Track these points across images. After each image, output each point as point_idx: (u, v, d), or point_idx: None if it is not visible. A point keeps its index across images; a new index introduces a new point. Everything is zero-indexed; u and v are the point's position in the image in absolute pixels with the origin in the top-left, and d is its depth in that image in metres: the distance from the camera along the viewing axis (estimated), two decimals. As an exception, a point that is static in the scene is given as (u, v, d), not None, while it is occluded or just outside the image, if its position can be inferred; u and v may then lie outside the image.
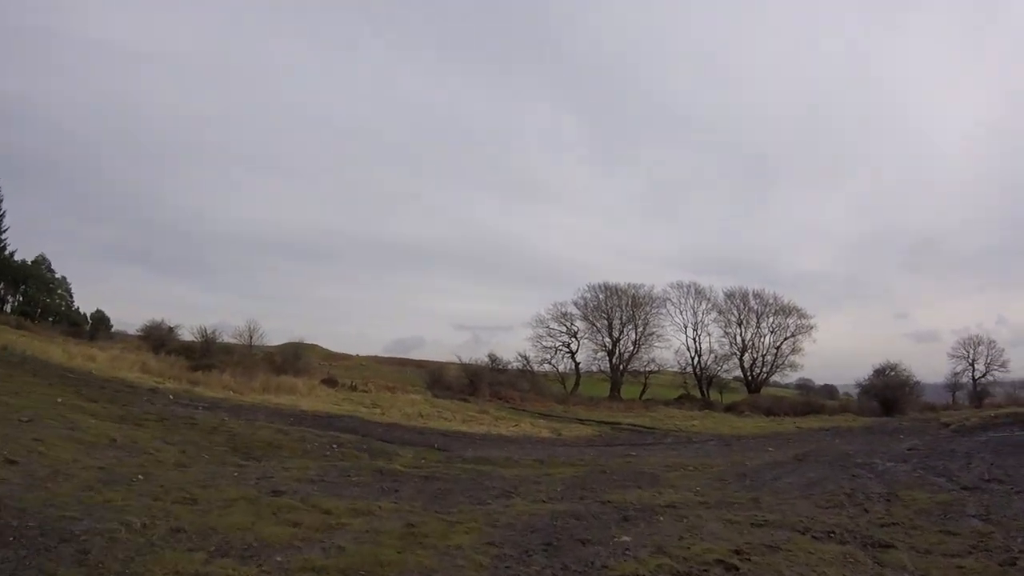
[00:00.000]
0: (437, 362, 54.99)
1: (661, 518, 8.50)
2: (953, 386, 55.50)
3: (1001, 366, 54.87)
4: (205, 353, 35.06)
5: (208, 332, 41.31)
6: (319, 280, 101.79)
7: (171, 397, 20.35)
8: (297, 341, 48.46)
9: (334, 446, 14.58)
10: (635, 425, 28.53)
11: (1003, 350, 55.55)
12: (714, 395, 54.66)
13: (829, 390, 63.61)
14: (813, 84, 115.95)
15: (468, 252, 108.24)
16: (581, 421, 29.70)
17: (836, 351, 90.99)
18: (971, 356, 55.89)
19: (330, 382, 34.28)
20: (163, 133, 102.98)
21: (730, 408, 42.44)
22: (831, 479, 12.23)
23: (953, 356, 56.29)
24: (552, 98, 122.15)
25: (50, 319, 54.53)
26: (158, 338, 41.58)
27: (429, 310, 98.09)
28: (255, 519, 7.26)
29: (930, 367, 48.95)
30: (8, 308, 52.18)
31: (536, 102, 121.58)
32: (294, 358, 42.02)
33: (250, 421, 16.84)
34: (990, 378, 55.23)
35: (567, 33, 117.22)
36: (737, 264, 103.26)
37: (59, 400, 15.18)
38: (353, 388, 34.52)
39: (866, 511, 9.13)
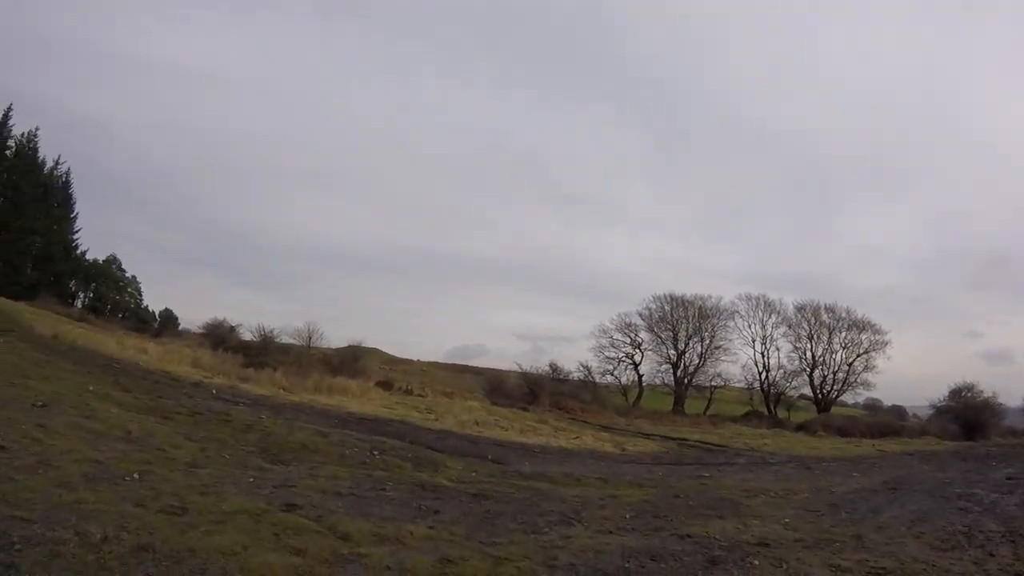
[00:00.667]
0: (497, 370, 53.27)
1: (755, 561, 6.67)
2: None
3: None
4: (261, 351, 34.14)
5: (266, 331, 40.61)
6: (384, 290, 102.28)
7: (214, 392, 19.24)
8: (357, 344, 47.57)
9: (375, 452, 12.96)
10: (703, 442, 26.21)
11: None
12: (781, 413, 51.43)
13: (898, 411, 59.16)
14: (879, 96, 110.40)
15: (530, 265, 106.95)
16: (646, 436, 27.53)
17: (903, 371, 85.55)
18: None
19: (385, 385, 33.00)
20: (241, 154, 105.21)
21: (801, 427, 39.41)
22: (937, 513, 10.04)
23: None
24: (613, 113, 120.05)
25: (120, 315, 55.59)
26: (218, 336, 41.09)
27: (490, 320, 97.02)
28: (250, 541, 5.68)
29: (1007, 388, 44.71)
30: (79, 303, 53.01)
31: (597, 116, 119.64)
32: (352, 359, 41.11)
33: (289, 421, 15.44)
34: None
35: (629, 47, 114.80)
36: (800, 281, 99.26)
37: (90, 388, 14.08)
38: (408, 392, 33.17)
39: (991, 555, 7.35)
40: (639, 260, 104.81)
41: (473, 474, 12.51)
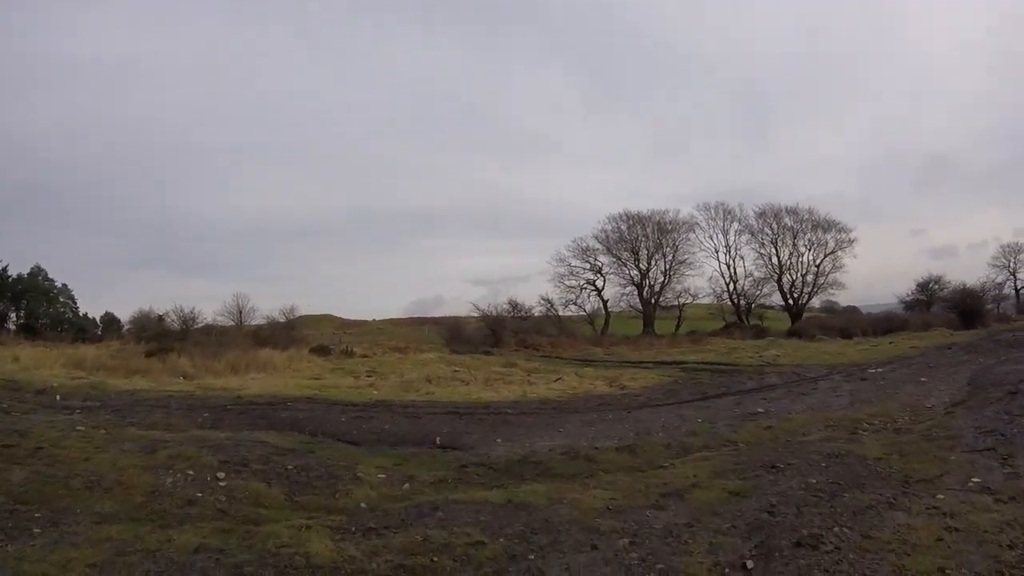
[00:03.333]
0: (456, 317, 47.05)
1: None
2: (997, 297, 47.01)
3: None
4: (180, 336, 27.33)
5: (185, 313, 33.61)
6: (334, 255, 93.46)
7: (58, 398, 12.90)
8: (289, 311, 41.01)
9: (227, 472, 6.82)
10: (707, 363, 20.72)
11: None
12: (754, 323, 46.70)
13: (852, 311, 55.19)
14: (810, 8, 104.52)
15: (478, 210, 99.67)
16: (636, 364, 21.88)
17: (855, 272, 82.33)
18: (1013, 265, 49.14)
19: (322, 351, 26.62)
20: (150, 134, 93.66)
21: (794, 333, 34.57)
22: None
23: (993, 266, 49.19)
24: (542, 48, 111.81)
25: (60, 328, 48.11)
26: (143, 328, 33.94)
27: (445, 270, 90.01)
28: None
29: (955, 280, 42.68)
30: (11, 325, 45.14)
31: (527, 54, 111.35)
32: (287, 329, 34.71)
33: (120, 428, 9.25)
34: None
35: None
36: (750, 196, 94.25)
37: None
38: (350, 354, 26.85)
39: None
40: (589, 192, 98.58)
41: (405, 487, 6.55)
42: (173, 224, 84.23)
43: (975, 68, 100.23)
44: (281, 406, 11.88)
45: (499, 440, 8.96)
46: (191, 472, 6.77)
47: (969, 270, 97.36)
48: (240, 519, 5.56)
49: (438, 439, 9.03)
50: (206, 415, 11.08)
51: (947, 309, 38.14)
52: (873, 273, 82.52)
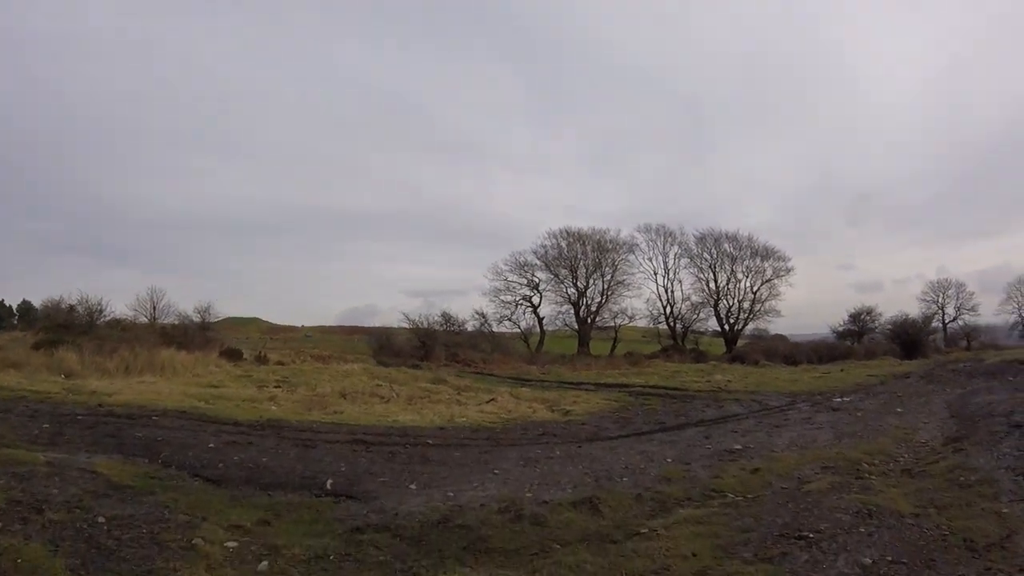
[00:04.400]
0: (387, 328, 44.02)
1: None
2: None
3: (971, 310, 50.38)
4: (56, 328, 23.76)
5: (92, 304, 29.68)
6: (266, 255, 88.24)
7: None
8: (204, 310, 37.20)
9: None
10: (653, 387, 18.76)
11: (973, 294, 50.78)
12: (690, 347, 45.48)
13: (780, 339, 55.20)
14: (751, 33, 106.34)
15: (415, 217, 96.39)
16: (576, 386, 19.74)
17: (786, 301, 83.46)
18: (941, 300, 50.83)
19: (232, 354, 23.52)
20: (86, 116, 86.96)
21: (736, 358, 33.27)
22: None
23: (923, 300, 51.05)
24: (487, 57, 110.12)
25: None
26: (49, 318, 29.84)
27: (381, 278, 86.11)
28: None
29: (886, 312, 44.38)
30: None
31: (471, 62, 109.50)
32: (201, 329, 31.28)
33: None
34: (960, 322, 50.76)
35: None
36: (686, 218, 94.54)
37: None
38: (264, 360, 23.87)
39: None
40: (526, 205, 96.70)
41: (262, 567, 4.10)
42: (100, 211, 78.61)
43: (908, 111, 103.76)
44: (144, 420, 9.21)
45: (413, 485, 6.57)
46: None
47: (894, 304, 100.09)
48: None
49: (330, 482, 6.56)
50: (46, 426, 8.41)
51: (889, 339, 38.48)
52: (800, 303, 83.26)
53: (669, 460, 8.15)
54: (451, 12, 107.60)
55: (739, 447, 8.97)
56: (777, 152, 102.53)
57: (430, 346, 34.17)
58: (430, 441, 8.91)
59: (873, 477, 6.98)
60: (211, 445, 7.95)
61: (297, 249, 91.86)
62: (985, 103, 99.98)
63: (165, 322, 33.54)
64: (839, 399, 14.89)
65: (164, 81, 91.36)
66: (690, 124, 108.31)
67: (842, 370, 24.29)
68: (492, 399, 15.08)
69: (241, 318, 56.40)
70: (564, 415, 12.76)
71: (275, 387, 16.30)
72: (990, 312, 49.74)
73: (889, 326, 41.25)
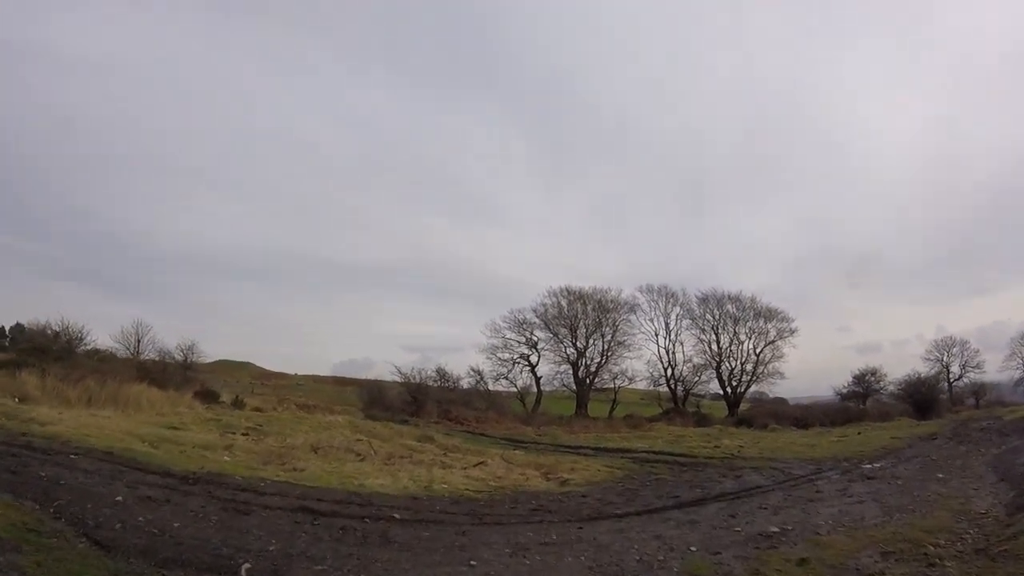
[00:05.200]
0: (380, 381, 42.02)
1: None
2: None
3: (976, 367, 46.73)
4: (28, 352, 22.15)
5: (71, 330, 28.00)
6: (268, 299, 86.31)
7: None
8: (222, 359, 35.53)
9: None
10: (658, 452, 16.88)
11: (977, 351, 47.50)
12: (691, 410, 43.29)
13: (780, 402, 53.08)
14: (752, 108, 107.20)
15: (418, 273, 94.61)
16: (574, 450, 17.81)
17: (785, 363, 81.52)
18: (946, 359, 47.50)
19: (207, 395, 21.69)
20: (103, 146, 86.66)
21: (743, 421, 31.26)
22: None
23: (927, 359, 47.63)
24: (500, 118, 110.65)
25: None
26: (35, 344, 28.19)
27: (379, 332, 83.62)
28: None
29: (891, 373, 43.00)
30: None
31: (483, 122, 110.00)
32: (182, 368, 29.51)
33: None
34: (966, 380, 46.94)
35: (514, 49, 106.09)
36: (685, 280, 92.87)
37: None
38: (240, 405, 21.99)
39: None
40: (528, 264, 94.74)
41: None
42: (101, 241, 77.43)
43: (900, 171, 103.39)
44: (60, 458, 7.65)
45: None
46: None
47: (895, 365, 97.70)
48: None
49: (246, 567, 4.82)
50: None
51: (900, 399, 36.44)
52: (798, 366, 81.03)
53: (693, 549, 6.40)
54: (461, 67, 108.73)
55: (776, 529, 7.22)
56: (774, 215, 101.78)
57: (421, 401, 32.34)
58: (397, 515, 7.10)
59: (947, 563, 5.41)
60: (119, 498, 6.27)
61: (294, 296, 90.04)
62: (982, 158, 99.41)
63: (146, 357, 31.86)
64: (869, 465, 13.10)
65: (172, 116, 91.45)
66: (691, 195, 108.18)
67: (859, 433, 22.31)
68: (481, 462, 13.24)
69: (233, 361, 54.95)
70: (561, 484, 10.93)
71: (243, 434, 14.59)
72: (993, 369, 47.60)
73: (900, 386, 39.12)
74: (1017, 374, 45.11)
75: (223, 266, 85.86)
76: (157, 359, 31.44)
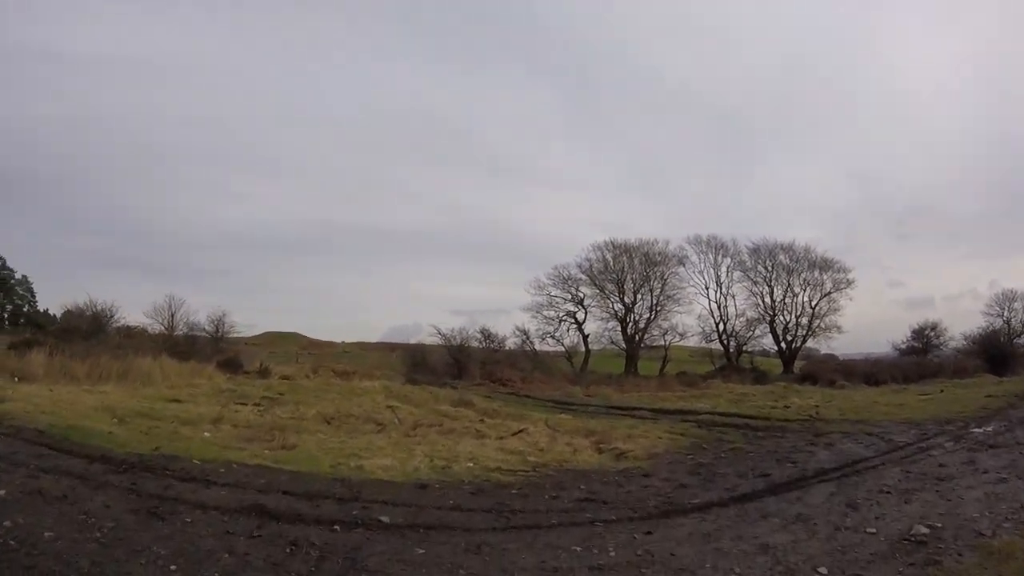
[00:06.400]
0: (425, 345, 40.30)
1: None
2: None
3: None
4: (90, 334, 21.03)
5: (99, 308, 26.93)
6: (311, 272, 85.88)
7: None
8: (269, 331, 34.41)
9: None
10: (724, 414, 14.51)
11: None
12: (745, 366, 40.32)
13: (830, 358, 49.09)
14: (790, 44, 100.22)
15: (460, 236, 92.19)
16: (629, 412, 15.57)
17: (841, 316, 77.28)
18: (1007, 314, 41.12)
19: (231, 365, 20.16)
20: (138, 135, 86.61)
21: (807, 378, 28.43)
22: None
23: (987, 314, 41.40)
24: (523, 70, 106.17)
25: (19, 321, 43.72)
26: (74, 326, 27.42)
27: (426, 297, 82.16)
28: None
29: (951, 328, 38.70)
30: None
31: (506, 76, 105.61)
32: (214, 340, 28.27)
33: None
34: None
35: (539, 5, 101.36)
36: (729, 235, 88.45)
37: None
38: (265, 374, 20.39)
39: None
40: (571, 222, 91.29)
41: None
42: (152, 228, 77.76)
43: (950, 120, 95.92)
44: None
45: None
46: None
47: (950, 321, 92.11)
48: None
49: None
50: None
51: (970, 355, 32.88)
52: (847, 322, 76.66)
53: (824, 573, 4.10)
54: (484, 27, 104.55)
55: (925, 530, 4.85)
56: (821, 166, 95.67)
57: (464, 364, 30.53)
58: (385, 517, 4.96)
59: None
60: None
61: (341, 267, 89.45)
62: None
63: (179, 333, 30.70)
64: (979, 429, 10.46)
65: (210, 103, 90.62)
66: (732, 143, 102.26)
67: (941, 391, 19.40)
68: (521, 430, 11.11)
69: (281, 333, 54.59)
70: (617, 458, 8.70)
71: (254, 404, 12.82)
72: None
73: (972, 340, 35.84)
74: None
75: (267, 244, 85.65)
76: (189, 333, 30.25)
